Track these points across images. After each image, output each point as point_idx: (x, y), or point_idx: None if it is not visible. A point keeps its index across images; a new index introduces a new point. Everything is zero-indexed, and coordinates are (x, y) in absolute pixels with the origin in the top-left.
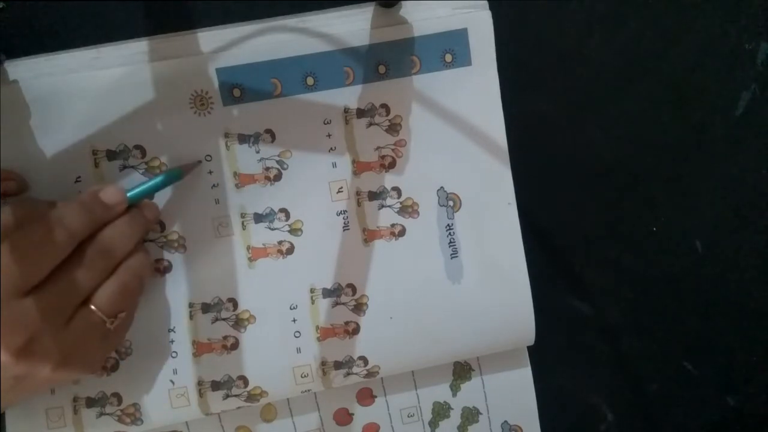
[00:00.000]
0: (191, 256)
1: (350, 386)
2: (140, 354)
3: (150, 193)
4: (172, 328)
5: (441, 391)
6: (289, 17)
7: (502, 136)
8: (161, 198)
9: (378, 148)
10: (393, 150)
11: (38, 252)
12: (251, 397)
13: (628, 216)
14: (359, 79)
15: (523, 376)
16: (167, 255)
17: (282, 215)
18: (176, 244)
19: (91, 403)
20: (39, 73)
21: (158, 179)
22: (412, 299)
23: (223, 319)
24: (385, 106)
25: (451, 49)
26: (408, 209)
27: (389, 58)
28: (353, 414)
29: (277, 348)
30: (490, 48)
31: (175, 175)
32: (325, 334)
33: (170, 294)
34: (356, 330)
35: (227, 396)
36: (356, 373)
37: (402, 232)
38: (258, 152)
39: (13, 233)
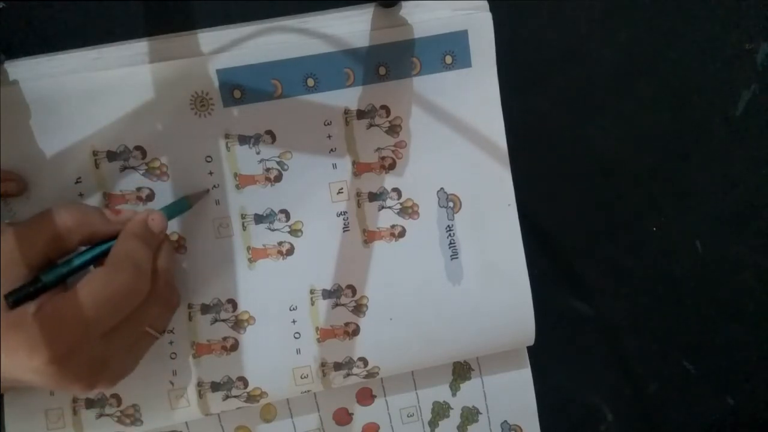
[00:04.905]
0: (191, 256)
1: (350, 386)
2: None
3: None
4: (171, 329)
5: (441, 391)
6: (290, 18)
7: (502, 137)
8: (162, 198)
9: (378, 149)
10: (393, 151)
11: (124, 300)
12: (251, 398)
13: (628, 216)
14: (359, 80)
15: (523, 376)
16: None
17: (282, 216)
18: (176, 245)
19: (90, 404)
20: (39, 74)
21: (170, 208)
22: (412, 300)
23: (223, 320)
24: (385, 107)
25: (451, 50)
26: (408, 210)
27: (390, 60)
28: (353, 414)
29: (277, 349)
30: (491, 49)
31: (184, 206)
32: (325, 335)
33: None
34: (356, 331)
35: (227, 397)
36: (356, 374)
37: (402, 233)
38: (258, 153)
39: (98, 283)
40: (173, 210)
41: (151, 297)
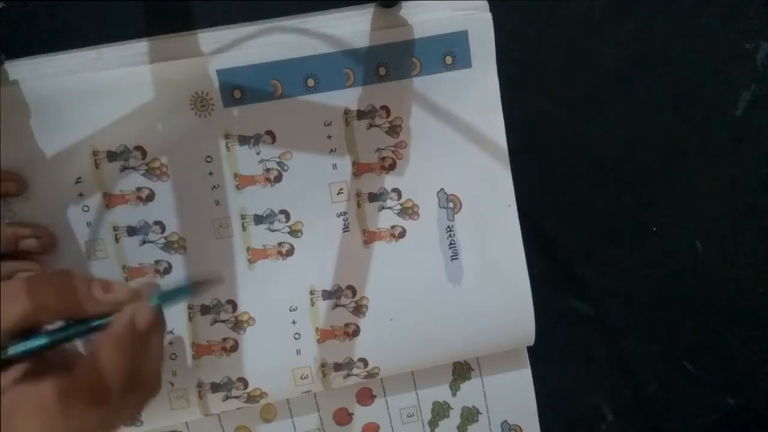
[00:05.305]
0: (191, 257)
1: (350, 386)
2: None
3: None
4: (170, 330)
5: (441, 391)
6: (290, 18)
7: (502, 138)
8: (162, 198)
9: (378, 149)
10: (393, 151)
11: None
12: (251, 399)
13: (628, 216)
14: (360, 80)
15: (523, 376)
16: (167, 256)
17: (282, 216)
18: (176, 246)
19: None
20: (39, 74)
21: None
22: (413, 301)
23: (222, 321)
24: (385, 107)
25: (451, 51)
26: (408, 211)
27: (390, 60)
28: (353, 414)
29: (277, 350)
30: (491, 50)
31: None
32: (325, 335)
33: None
34: (356, 332)
35: (227, 397)
36: (356, 375)
37: (402, 234)
38: (258, 153)
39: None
40: (174, 295)
41: (128, 389)
